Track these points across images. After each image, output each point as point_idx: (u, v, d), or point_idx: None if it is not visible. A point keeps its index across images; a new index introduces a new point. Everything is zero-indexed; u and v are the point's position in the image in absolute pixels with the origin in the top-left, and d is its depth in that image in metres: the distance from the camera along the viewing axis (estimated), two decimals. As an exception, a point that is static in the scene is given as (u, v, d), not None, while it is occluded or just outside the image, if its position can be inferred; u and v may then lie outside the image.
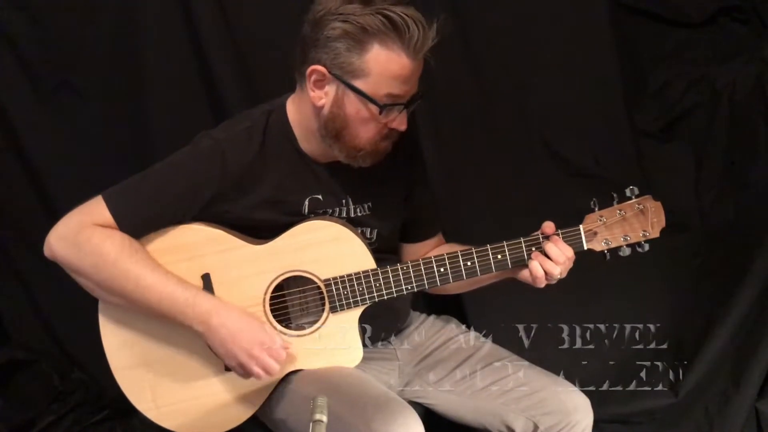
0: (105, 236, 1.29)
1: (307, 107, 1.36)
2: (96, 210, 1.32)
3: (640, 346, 2.15)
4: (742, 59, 2.05)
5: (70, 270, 1.33)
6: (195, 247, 1.36)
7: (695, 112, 2.11)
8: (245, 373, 1.33)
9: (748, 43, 2.06)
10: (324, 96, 1.32)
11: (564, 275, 1.36)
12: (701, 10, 2.06)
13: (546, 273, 1.34)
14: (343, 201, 1.44)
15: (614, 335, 2.14)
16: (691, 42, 2.10)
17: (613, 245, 1.36)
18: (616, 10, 2.03)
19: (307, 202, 1.41)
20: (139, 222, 1.33)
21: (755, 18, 2.05)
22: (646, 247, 1.37)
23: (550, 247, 1.34)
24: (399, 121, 1.34)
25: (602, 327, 2.13)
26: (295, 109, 1.41)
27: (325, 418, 0.97)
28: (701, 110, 2.10)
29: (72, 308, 2.03)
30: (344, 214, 1.45)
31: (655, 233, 1.36)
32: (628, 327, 2.14)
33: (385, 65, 1.26)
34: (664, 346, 2.14)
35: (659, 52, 2.11)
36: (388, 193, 1.50)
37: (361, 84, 1.28)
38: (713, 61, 2.08)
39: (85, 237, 1.29)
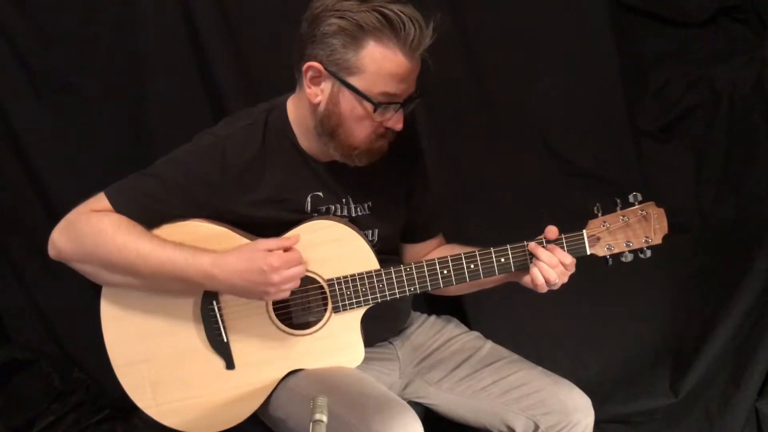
0: (102, 215, 1.32)
1: (305, 105, 1.37)
2: (97, 202, 1.34)
3: (640, 346, 2.16)
4: (742, 59, 2.05)
5: (74, 260, 1.34)
6: (199, 243, 1.36)
7: (695, 112, 2.10)
8: (282, 295, 1.32)
9: (748, 43, 2.06)
10: (320, 93, 1.32)
11: (565, 281, 1.35)
12: (701, 10, 2.06)
13: (546, 280, 1.33)
14: (344, 200, 1.44)
15: (614, 335, 2.15)
16: (691, 42, 2.10)
17: (615, 251, 1.36)
18: (617, 10, 2.03)
19: (309, 199, 1.41)
20: (140, 216, 1.34)
21: (755, 18, 2.05)
22: (648, 253, 1.37)
23: (541, 252, 1.33)
24: (395, 121, 1.33)
25: (602, 327, 2.14)
26: (294, 108, 1.41)
27: (325, 418, 0.97)
28: (701, 110, 2.09)
29: (72, 308, 2.04)
30: (345, 212, 1.45)
31: (657, 240, 1.36)
32: (628, 327, 2.15)
33: (381, 63, 1.26)
34: (665, 347, 2.15)
35: (659, 52, 2.11)
36: (389, 193, 1.50)
37: (356, 81, 1.28)
38: (713, 61, 2.08)
39: (83, 221, 1.32)
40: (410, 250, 1.61)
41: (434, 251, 1.61)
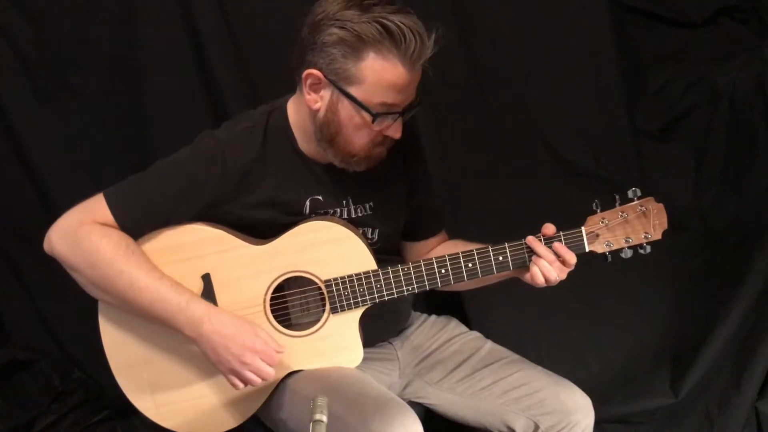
0: (103, 235, 1.30)
1: (304, 109, 1.37)
2: (97, 207, 1.32)
3: (640, 346, 2.16)
4: (742, 59, 2.05)
5: (66, 266, 1.33)
6: (196, 246, 1.36)
7: (695, 112, 2.10)
8: (239, 380, 1.32)
9: (748, 43, 2.06)
10: (319, 100, 1.32)
11: (563, 277, 1.35)
12: (701, 10, 2.06)
13: (546, 279, 1.33)
14: (344, 202, 1.44)
15: (614, 335, 2.15)
16: (691, 42, 2.10)
17: (614, 247, 1.36)
18: (617, 10, 2.03)
19: (308, 203, 1.41)
20: (139, 220, 1.33)
21: (755, 18, 2.05)
22: (648, 249, 1.37)
23: (539, 246, 1.33)
24: (393, 130, 1.33)
25: (602, 327, 2.14)
26: (294, 110, 1.41)
27: (325, 418, 0.97)
28: (701, 110, 2.09)
29: (72, 308, 2.03)
30: (345, 215, 1.45)
31: (657, 235, 1.35)
32: (628, 327, 2.15)
33: (380, 74, 1.25)
34: (665, 347, 2.15)
35: (659, 52, 2.11)
36: (390, 193, 1.50)
37: (355, 91, 1.28)
38: (713, 61, 2.08)
39: (83, 234, 1.30)
40: (411, 248, 1.61)
41: (436, 248, 1.60)
